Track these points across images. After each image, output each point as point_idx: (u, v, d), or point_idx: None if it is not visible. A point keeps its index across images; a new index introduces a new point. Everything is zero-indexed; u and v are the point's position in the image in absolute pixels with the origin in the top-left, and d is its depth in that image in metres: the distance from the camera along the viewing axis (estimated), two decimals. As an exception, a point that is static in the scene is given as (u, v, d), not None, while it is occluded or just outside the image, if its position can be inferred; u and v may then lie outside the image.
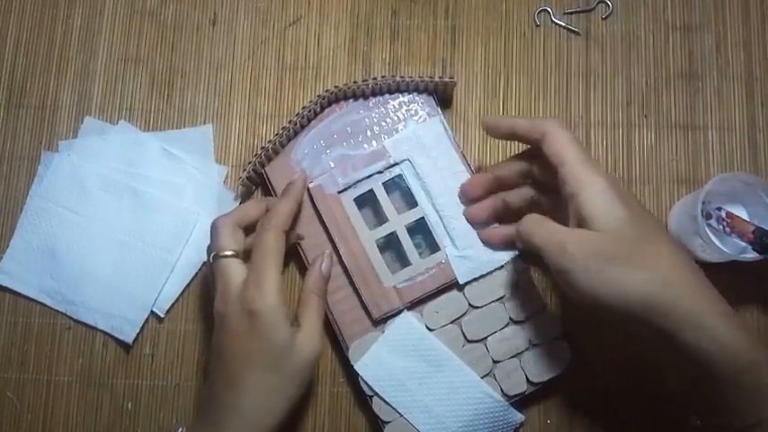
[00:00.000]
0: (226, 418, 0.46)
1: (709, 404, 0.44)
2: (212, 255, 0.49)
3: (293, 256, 0.55)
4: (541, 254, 0.45)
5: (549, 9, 0.59)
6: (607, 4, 0.59)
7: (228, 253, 0.48)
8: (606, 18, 0.59)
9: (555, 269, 0.44)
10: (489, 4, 0.60)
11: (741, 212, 0.54)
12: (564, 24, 0.59)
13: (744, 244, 0.50)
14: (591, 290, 0.42)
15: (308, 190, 0.53)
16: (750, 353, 0.41)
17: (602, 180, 0.44)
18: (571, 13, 0.60)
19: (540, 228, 0.46)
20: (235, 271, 0.48)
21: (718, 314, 0.41)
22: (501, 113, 0.58)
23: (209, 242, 0.50)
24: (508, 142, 0.57)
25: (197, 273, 0.56)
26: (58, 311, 0.55)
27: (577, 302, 0.44)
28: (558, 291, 0.55)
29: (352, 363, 0.52)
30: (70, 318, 0.55)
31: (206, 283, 0.56)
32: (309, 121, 0.55)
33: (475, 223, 0.53)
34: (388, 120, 0.55)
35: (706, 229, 0.49)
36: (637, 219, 0.44)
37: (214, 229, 0.49)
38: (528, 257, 0.53)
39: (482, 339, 0.52)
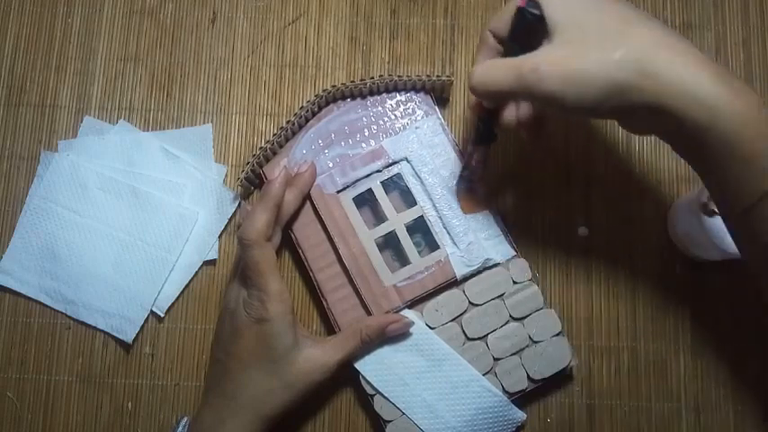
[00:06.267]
0: (225, 405, 0.48)
1: (716, 181, 0.41)
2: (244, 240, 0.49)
3: (290, 250, 0.55)
4: (513, 97, 0.43)
5: (548, 8, 0.59)
6: (607, 2, 0.59)
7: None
8: (606, 17, 0.59)
9: (541, 99, 0.41)
10: (489, 3, 0.60)
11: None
12: (563, 23, 0.59)
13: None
14: (583, 96, 0.39)
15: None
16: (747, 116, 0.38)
17: None
18: (571, 12, 0.59)
19: (499, 69, 0.42)
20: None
21: (712, 80, 0.38)
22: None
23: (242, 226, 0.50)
24: (511, 143, 0.57)
25: (197, 272, 0.56)
26: (57, 311, 0.55)
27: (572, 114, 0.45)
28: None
29: (352, 361, 0.52)
30: (70, 317, 0.55)
31: (205, 282, 0.56)
32: (307, 120, 0.55)
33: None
34: (386, 119, 0.55)
35: (706, 226, 0.49)
36: (594, 5, 0.41)
37: (253, 212, 0.50)
38: (487, 138, 0.50)
39: (483, 337, 0.52)
